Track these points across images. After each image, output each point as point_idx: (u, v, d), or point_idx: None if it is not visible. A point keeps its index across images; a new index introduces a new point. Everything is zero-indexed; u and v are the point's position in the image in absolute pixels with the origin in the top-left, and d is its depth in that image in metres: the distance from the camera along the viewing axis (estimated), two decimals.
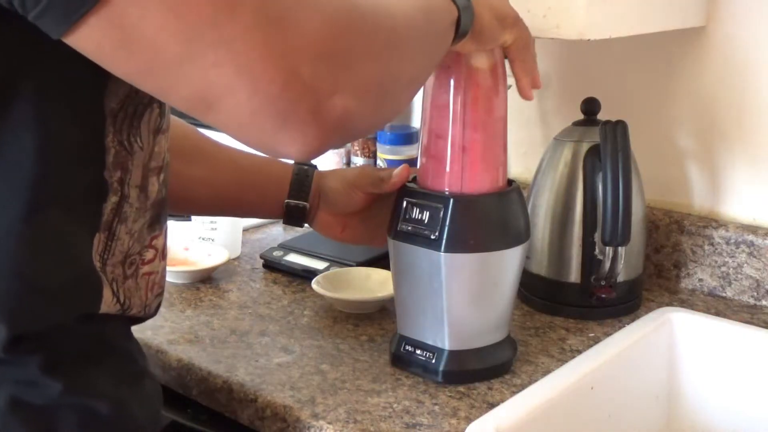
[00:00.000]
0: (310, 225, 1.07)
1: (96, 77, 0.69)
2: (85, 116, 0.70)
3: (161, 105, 0.76)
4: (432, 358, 0.95)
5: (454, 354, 0.95)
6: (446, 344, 0.95)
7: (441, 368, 0.95)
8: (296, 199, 1.04)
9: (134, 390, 0.79)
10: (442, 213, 0.91)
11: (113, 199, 0.73)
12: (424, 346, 0.96)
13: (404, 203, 0.94)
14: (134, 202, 0.75)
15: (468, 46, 0.85)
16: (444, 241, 0.91)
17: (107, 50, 0.58)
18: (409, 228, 0.93)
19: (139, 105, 0.73)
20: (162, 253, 0.81)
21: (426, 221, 0.92)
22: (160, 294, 0.83)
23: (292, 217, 1.05)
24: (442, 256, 0.91)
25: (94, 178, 0.72)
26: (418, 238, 0.92)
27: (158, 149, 0.76)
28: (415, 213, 0.93)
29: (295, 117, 0.59)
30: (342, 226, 1.07)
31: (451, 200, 0.91)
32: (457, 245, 0.91)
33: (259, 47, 0.57)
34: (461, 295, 0.93)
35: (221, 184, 1.04)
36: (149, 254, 0.79)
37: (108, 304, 0.76)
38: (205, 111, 0.60)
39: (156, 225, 0.79)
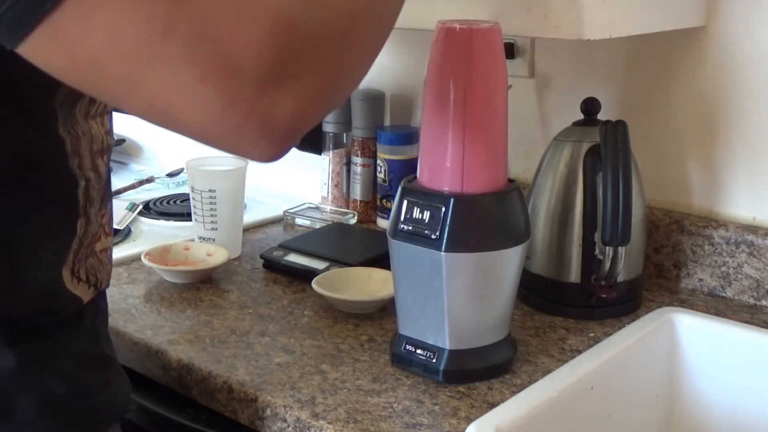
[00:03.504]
0: None
1: (49, 81, 0.72)
2: (40, 114, 0.74)
3: None
4: (433, 358, 0.95)
5: (454, 353, 0.95)
6: (447, 344, 0.95)
7: (442, 368, 0.95)
8: None
9: (95, 374, 0.81)
10: (442, 212, 0.91)
11: (82, 183, 0.78)
12: (424, 346, 0.96)
13: (404, 203, 0.95)
14: (95, 184, 0.80)
15: None
16: (445, 241, 0.91)
17: (56, 64, 0.58)
18: (410, 228, 0.93)
19: (77, 94, 0.76)
20: (105, 230, 0.85)
21: (426, 221, 0.92)
22: None
23: None
24: (443, 256, 0.91)
25: (62, 169, 0.76)
26: (419, 237, 0.92)
27: (95, 132, 0.80)
28: (416, 213, 0.93)
29: (244, 133, 0.59)
30: None
31: (452, 200, 0.91)
32: (457, 245, 0.91)
33: (195, 69, 0.56)
34: (462, 295, 0.93)
35: None
36: (99, 232, 0.83)
37: (72, 285, 0.79)
38: (161, 121, 0.60)
39: (103, 204, 0.83)
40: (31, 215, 0.74)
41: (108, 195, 0.84)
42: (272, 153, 0.61)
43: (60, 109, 0.75)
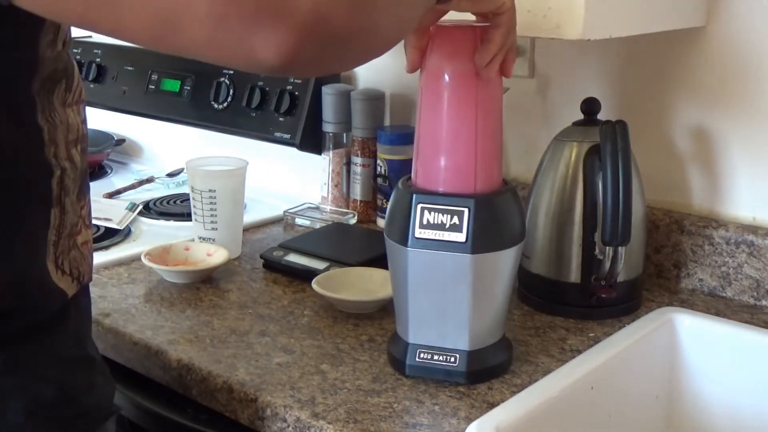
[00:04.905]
0: None
1: (26, 65, 0.71)
2: (18, 102, 0.72)
3: (67, 79, 0.77)
4: (454, 361, 0.94)
5: (473, 354, 0.94)
6: (467, 345, 0.94)
7: (465, 369, 0.94)
8: None
9: (81, 376, 0.80)
10: (466, 215, 0.90)
11: (57, 173, 0.76)
12: (443, 351, 0.95)
13: (418, 209, 0.92)
14: (70, 174, 0.78)
15: (464, 5, 0.82)
16: (471, 243, 0.90)
17: None
18: (429, 233, 0.91)
19: (54, 82, 0.75)
20: (85, 222, 0.83)
21: (448, 225, 0.91)
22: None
23: None
24: (470, 258, 0.90)
25: (39, 158, 0.75)
26: (441, 242, 0.91)
27: (71, 121, 0.78)
28: (435, 217, 0.91)
29: (262, 16, 0.55)
30: None
31: (474, 201, 0.90)
32: (481, 245, 0.90)
33: None
34: (483, 294, 0.93)
35: None
36: (79, 224, 0.82)
37: (57, 278, 0.78)
38: (170, 36, 0.57)
39: (81, 195, 0.81)
40: (4, 205, 0.73)
41: (86, 186, 0.83)
42: (292, 44, 0.56)
43: (38, 97, 0.74)
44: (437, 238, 0.91)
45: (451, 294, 0.92)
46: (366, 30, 0.63)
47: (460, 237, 0.90)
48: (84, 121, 0.82)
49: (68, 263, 0.79)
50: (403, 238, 0.92)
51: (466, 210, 0.90)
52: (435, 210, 0.91)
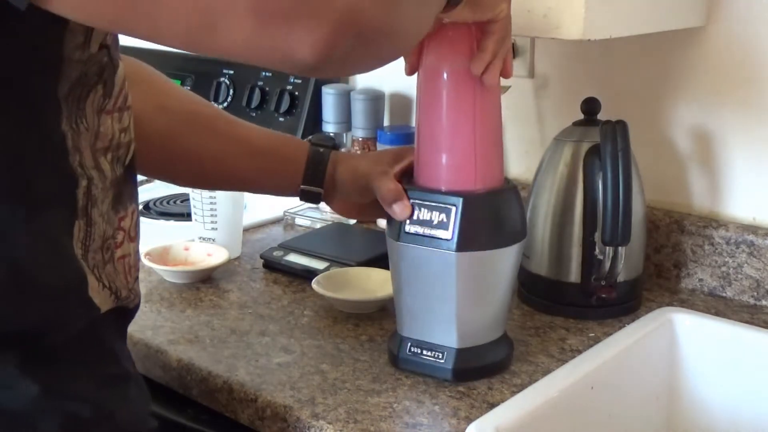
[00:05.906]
0: (328, 205, 1.07)
1: (48, 66, 0.69)
2: (41, 106, 0.69)
3: (105, 85, 0.75)
4: (441, 358, 0.95)
5: (462, 352, 0.94)
6: (455, 343, 0.94)
7: (451, 366, 0.94)
8: (311, 184, 1.02)
9: (117, 393, 0.78)
10: (453, 212, 0.91)
11: (83, 183, 0.73)
12: (431, 347, 0.95)
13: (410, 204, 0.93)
14: (98, 183, 0.75)
15: (465, 14, 0.83)
16: (456, 241, 0.90)
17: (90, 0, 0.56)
18: (418, 229, 0.93)
19: (86, 86, 0.72)
20: (130, 235, 0.80)
21: (435, 222, 0.92)
22: (137, 277, 0.83)
23: (308, 198, 1.04)
24: (455, 255, 0.90)
25: (62, 166, 0.72)
26: (428, 238, 0.92)
27: (104, 129, 0.75)
28: (423, 214, 0.92)
29: (301, 15, 0.56)
30: (357, 210, 1.07)
31: (462, 199, 0.90)
32: (468, 244, 0.91)
33: None
34: (471, 293, 0.93)
35: (233, 164, 1.03)
36: (119, 237, 0.79)
37: (96, 291, 0.75)
38: (208, 39, 0.57)
39: (119, 206, 0.78)
40: (30, 216, 0.70)
41: (126, 196, 0.79)
42: (329, 39, 0.56)
43: (65, 102, 0.70)
44: (425, 233, 0.92)
45: (439, 290, 0.93)
46: (394, 30, 0.64)
47: (446, 234, 0.91)
48: (125, 130, 0.78)
49: (105, 277, 0.77)
50: (396, 232, 0.94)
51: (453, 208, 0.91)
52: (424, 206, 0.92)
